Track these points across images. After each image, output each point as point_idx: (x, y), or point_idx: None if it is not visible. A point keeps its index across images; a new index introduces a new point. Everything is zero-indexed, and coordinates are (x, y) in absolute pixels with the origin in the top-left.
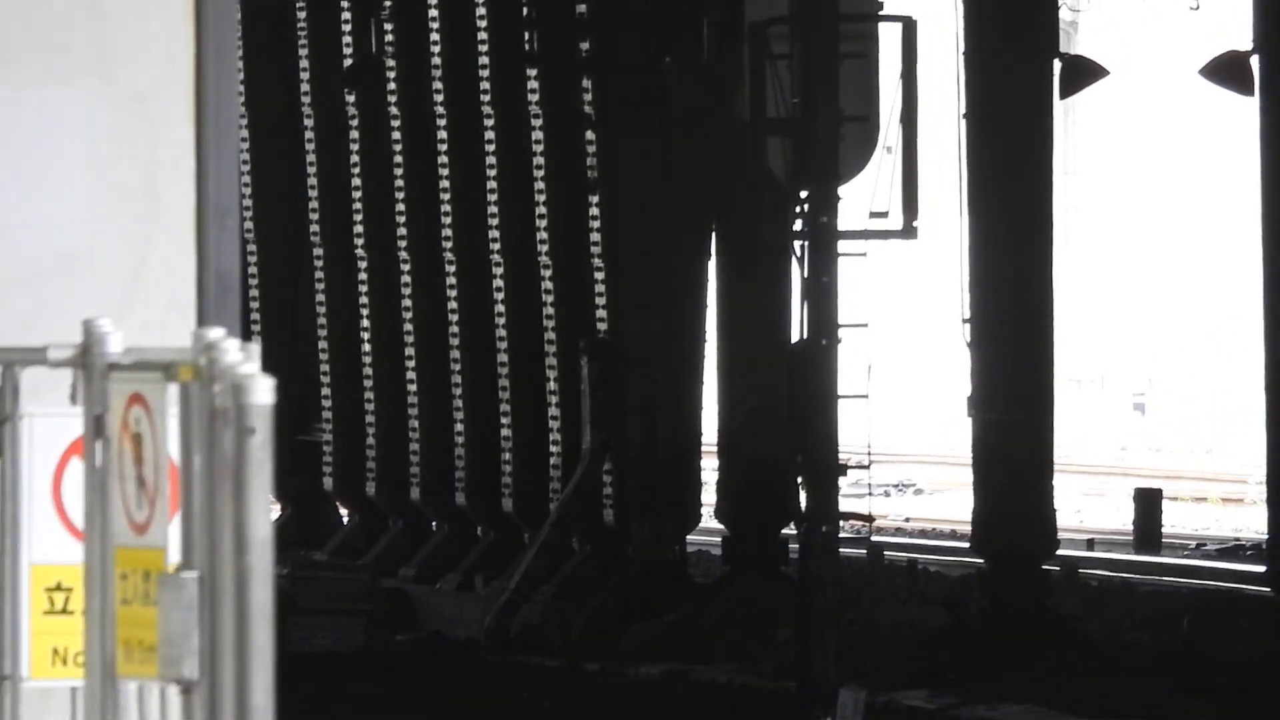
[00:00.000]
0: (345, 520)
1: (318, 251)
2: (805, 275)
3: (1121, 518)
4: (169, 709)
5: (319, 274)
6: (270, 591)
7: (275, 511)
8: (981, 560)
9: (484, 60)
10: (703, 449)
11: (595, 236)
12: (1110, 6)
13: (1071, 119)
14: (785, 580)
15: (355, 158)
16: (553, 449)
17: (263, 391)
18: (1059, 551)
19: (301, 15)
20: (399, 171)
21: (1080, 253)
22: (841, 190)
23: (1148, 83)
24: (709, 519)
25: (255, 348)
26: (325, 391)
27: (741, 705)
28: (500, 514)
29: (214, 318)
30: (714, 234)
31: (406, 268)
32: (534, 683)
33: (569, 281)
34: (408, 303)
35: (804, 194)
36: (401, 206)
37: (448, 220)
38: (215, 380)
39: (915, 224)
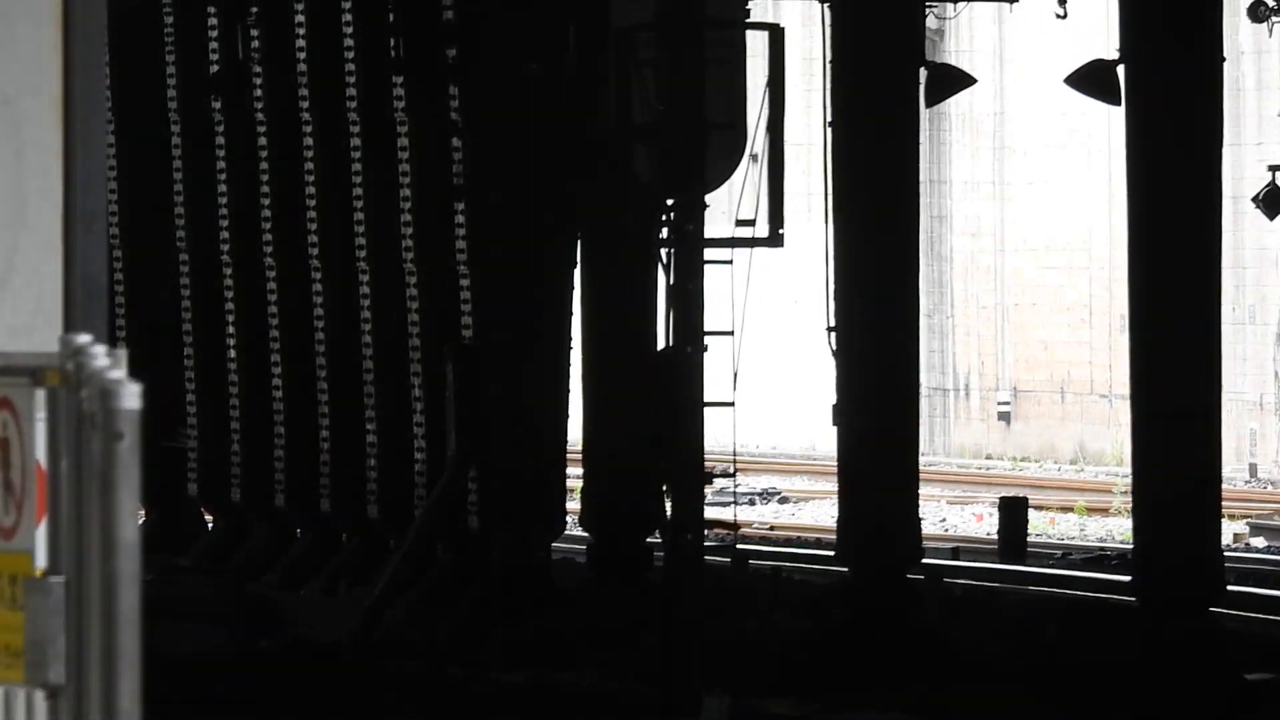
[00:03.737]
0: (210, 526)
1: (183, 257)
2: (671, 282)
3: (986, 526)
4: (35, 713)
5: (185, 279)
6: (137, 596)
7: (140, 517)
8: (846, 568)
9: (350, 67)
10: (568, 456)
11: (461, 244)
12: (977, 14)
13: (941, 128)
14: (650, 587)
15: (221, 164)
16: (418, 455)
17: (130, 397)
18: (924, 560)
19: (169, 20)
20: (265, 177)
21: (947, 262)
22: (708, 197)
23: (1016, 91)
24: (574, 527)
25: (122, 353)
26: (190, 397)
27: (605, 711)
28: (365, 520)
29: (81, 323)
30: (580, 240)
31: (272, 274)
32: (398, 689)
33: (434, 287)
34: (273, 309)
35: (670, 201)
36: (267, 212)
37: (313, 226)
38: (83, 385)
39: (781, 231)
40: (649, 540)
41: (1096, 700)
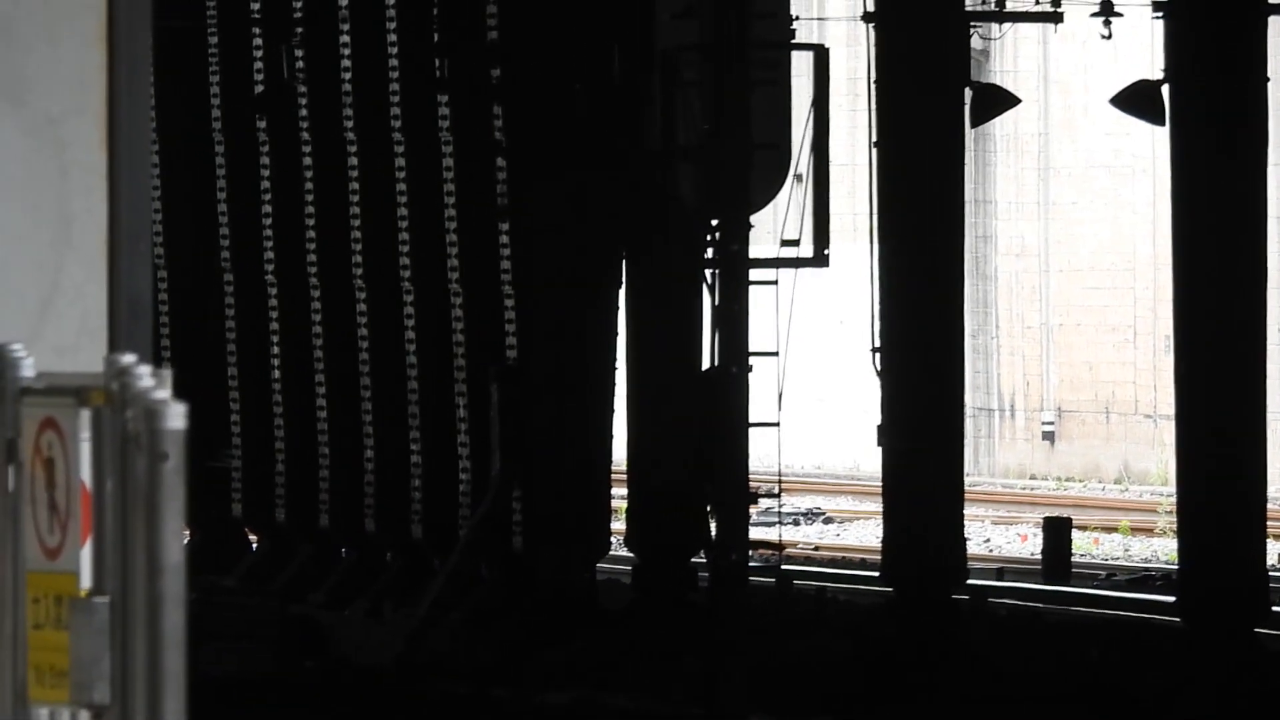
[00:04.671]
0: (254, 546)
1: (228, 277)
2: (715, 302)
3: (1031, 546)
4: None
5: (229, 299)
6: (183, 617)
7: (185, 537)
8: (891, 589)
9: (394, 87)
10: (613, 476)
11: (506, 264)
12: (1022, 35)
13: (986, 148)
14: (694, 608)
15: (266, 183)
16: (462, 476)
17: (175, 417)
18: (968, 580)
19: (213, 40)
20: (309, 197)
21: (991, 282)
22: (753, 218)
23: (1061, 111)
24: (619, 547)
25: (167, 373)
26: (235, 417)
27: None
28: (410, 540)
29: (126, 342)
30: (624, 261)
31: (317, 294)
32: (442, 710)
33: (479, 308)
34: (318, 329)
35: (714, 221)
36: (312, 233)
37: (358, 246)
38: (128, 405)
39: (826, 252)
40: (694, 561)
41: None
